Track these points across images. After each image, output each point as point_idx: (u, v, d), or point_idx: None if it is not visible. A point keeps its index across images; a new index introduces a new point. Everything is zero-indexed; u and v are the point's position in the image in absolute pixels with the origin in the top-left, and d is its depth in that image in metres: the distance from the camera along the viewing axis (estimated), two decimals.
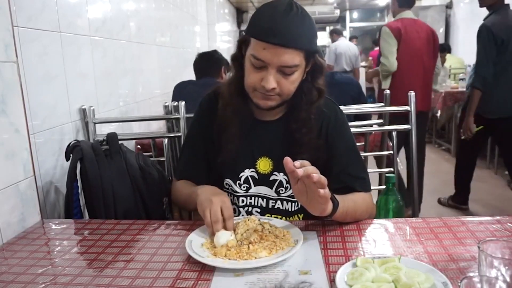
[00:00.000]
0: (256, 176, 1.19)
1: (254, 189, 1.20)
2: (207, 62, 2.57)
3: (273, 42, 1.01)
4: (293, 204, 1.20)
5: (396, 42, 2.79)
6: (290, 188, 1.17)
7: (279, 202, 1.19)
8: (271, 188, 1.19)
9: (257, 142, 1.19)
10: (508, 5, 2.70)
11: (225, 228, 0.99)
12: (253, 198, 1.20)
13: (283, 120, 1.18)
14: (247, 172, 1.19)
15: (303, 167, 0.88)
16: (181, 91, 2.43)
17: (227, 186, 1.21)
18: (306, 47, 1.05)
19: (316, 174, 0.88)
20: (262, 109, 1.13)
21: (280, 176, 1.18)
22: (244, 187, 1.20)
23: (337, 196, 1.01)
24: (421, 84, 2.82)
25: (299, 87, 1.12)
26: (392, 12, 3.06)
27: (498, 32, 2.58)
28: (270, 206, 1.20)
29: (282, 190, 1.19)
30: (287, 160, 0.88)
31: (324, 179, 0.90)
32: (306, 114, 1.14)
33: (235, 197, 1.20)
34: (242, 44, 1.13)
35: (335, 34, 6.31)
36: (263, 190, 1.19)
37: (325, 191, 0.91)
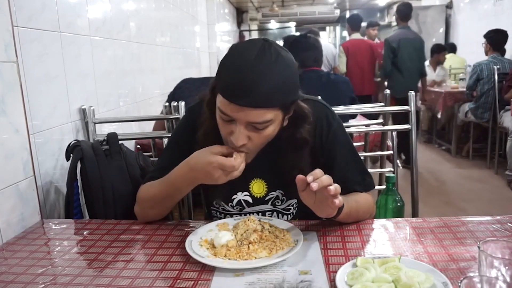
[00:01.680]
0: (250, 200, 1.14)
1: (248, 209, 1.16)
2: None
3: (237, 103, 0.88)
4: (288, 216, 1.17)
5: (345, 55, 4.72)
6: (286, 201, 1.16)
7: (275, 213, 1.17)
8: (267, 204, 1.15)
9: (247, 167, 1.02)
10: (408, 26, 4.46)
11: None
12: (248, 215, 1.13)
13: (270, 143, 1.05)
14: (240, 195, 1.14)
15: (317, 179, 0.85)
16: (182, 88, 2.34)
17: (217, 206, 1.17)
18: (280, 103, 0.92)
19: (332, 187, 0.86)
20: None
21: (276, 192, 1.14)
22: (237, 208, 1.15)
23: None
24: (361, 79, 4.65)
25: (279, 137, 1.01)
26: (347, 33, 5.02)
27: (392, 43, 4.29)
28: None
29: (278, 203, 1.16)
30: (300, 178, 0.87)
31: (339, 189, 0.88)
32: (293, 157, 1.05)
33: (228, 216, 1.16)
34: (213, 90, 0.99)
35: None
36: (258, 208, 1.16)
37: (340, 200, 0.89)
